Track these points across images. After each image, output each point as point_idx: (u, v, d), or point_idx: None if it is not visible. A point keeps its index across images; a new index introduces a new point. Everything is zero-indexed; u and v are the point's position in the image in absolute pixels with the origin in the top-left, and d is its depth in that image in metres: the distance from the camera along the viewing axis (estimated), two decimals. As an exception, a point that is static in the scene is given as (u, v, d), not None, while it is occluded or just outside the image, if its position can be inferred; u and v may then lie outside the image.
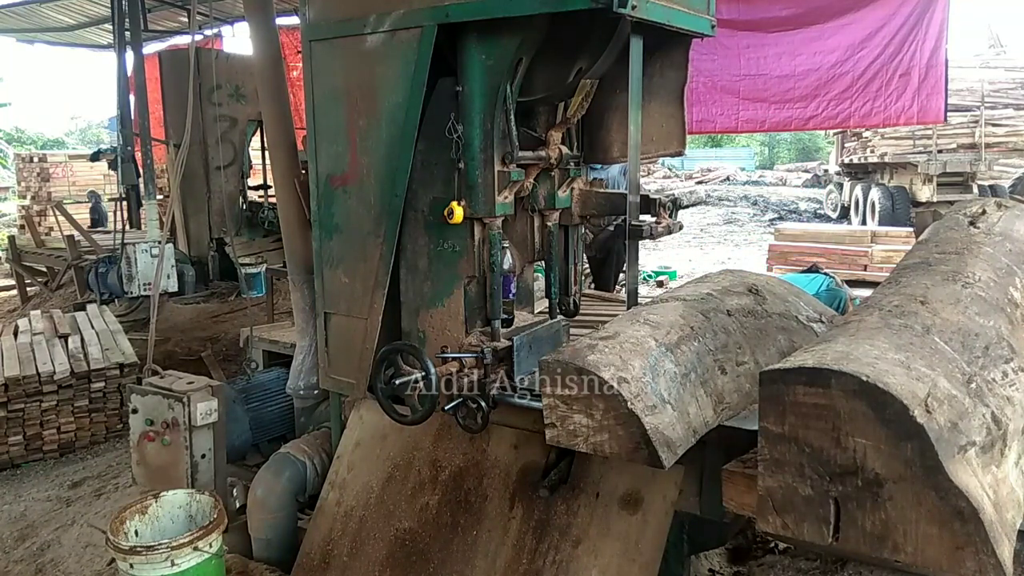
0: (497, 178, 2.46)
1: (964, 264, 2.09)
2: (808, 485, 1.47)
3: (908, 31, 6.04)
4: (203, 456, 3.16)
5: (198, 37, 9.23)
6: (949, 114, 6.70)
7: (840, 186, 16.58)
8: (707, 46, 5.26)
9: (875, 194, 13.43)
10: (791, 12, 6.36)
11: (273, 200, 7.69)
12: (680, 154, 2.95)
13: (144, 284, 6.55)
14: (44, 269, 8.95)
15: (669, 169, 27.02)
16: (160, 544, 2.52)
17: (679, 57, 2.73)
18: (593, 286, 5.89)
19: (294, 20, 8.66)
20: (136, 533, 2.74)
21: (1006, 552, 1.32)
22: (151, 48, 9.76)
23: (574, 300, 3.03)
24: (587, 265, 5.97)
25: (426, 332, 2.66)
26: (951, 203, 4.50)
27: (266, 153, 8.20)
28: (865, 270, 9.19)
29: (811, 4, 6.28)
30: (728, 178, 26.26)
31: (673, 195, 3.24)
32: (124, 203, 7.36)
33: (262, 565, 3.00)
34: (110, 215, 10.67)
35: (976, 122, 12.21)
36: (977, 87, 12.17)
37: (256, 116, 8.03)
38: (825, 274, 5.75)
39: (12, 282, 9.42)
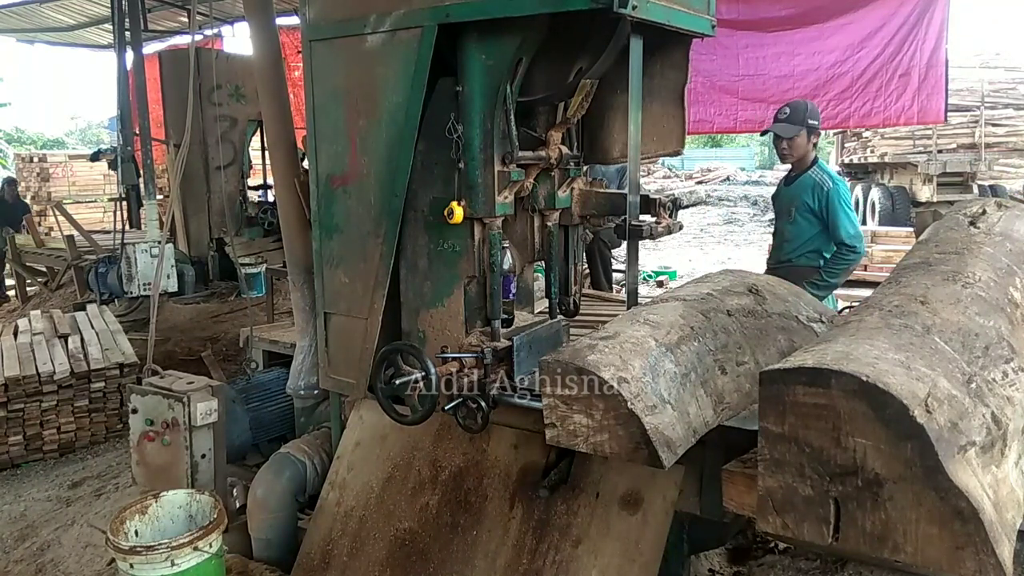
0: (497, 178, 2.46)
1: (964, 264, 2.09)
2: (808, 485, 1.47)
3: (908, 31, 6.03)
4: (203, 456, 3.16)
5: (198, 37, 9.23)
6: (949, 114, 6.69)
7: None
8: (706, 46, 5.25)
9: (875, 194, 13.41)
10: (790, 12, 6.35)
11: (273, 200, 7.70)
12: (678, 153, 2.95)
13: (144, 284, 6.55)
14: (44, 269, 8.95)
15: (669, 169, 27.00)
16: (160, 544, 2.52)
17: (679, 57, 2.72)
18: (591, 286, 5.89)
19: (294, 20, 8.66)
20: (136, 533, 2.74)
21: (1006, 552, 1.32)
22: (151, 48, 9.76)
23: (574, 300, 3.03)
24: (586, 265, 5.97)
25: (426, 332, 2.66)
26: (951, 203, 4.49)
27: (266, 153, 8.20)
28: (865, 270, 9.18)
29: (810, 4, 6.28)
30: (728, 178, 26.24)
31: (673, 195, 3.24)
32: (124, 203, 7.36)
33: (262, 565, 3.00)
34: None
35: (976, 122, 12.19)
36: (977, 87, 12.14)
37: (256, 116, 8.02)
38: None
39: (12, 282, 9.42)
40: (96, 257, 7.27)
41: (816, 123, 3.89)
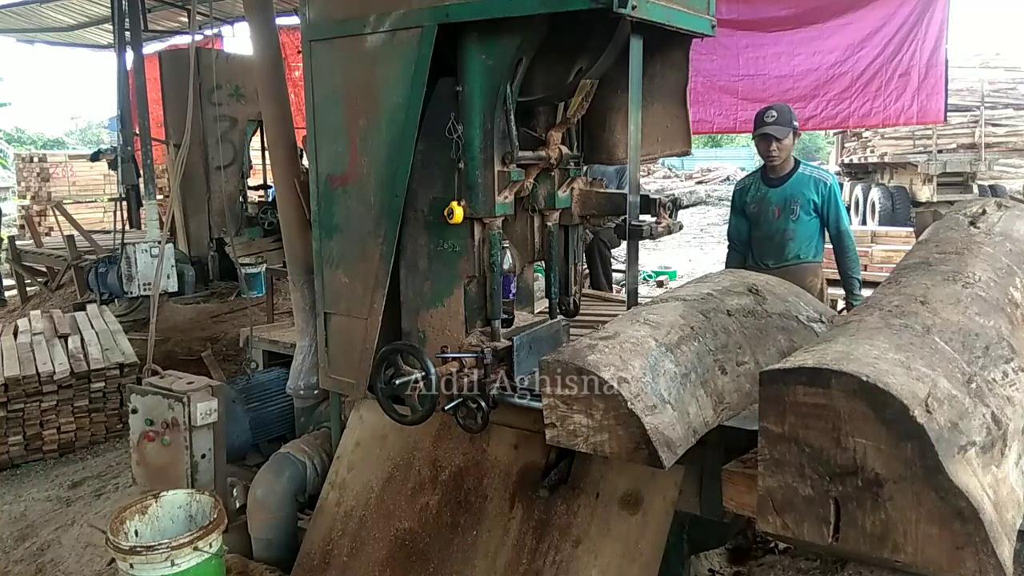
0: (497, 178, 2.46)
1: (964, 264, 2.09)
2: (808, 485, 1.47)
3: (908, 31, 6.02)
4: (203, 456, 3.16)
5: (198, 37, 9.23)
6: (949, 114, 6.68)
7: (840, 186, 16.55)
8: (706, 46, 5.25)
9: (875, 194, 13.40)
10: (790, 12, 6.35)
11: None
12: (686, 154, 2.95)
13: (144, 284, 6.55)
14: (44, 269, 8.94)
15: (669, 169, 27.00)
16: (160, 544, 2.52)
17: (679, 57, 2.72)
18: (591, 286, 5.89)
19: (294, 20, 8.66)
20: (136, 533, 2.74)
21: (1006, 552, 1.32)
22: (151, 48, 9.76)
23: (574, 300, 3.03)
24: (586, 265, 5.97)
25: (426, 332, 2.66)
26: (951, 203, 4.50)
27: (266, 153, 8.20)
28: (865, 270, 9.13)
29: (810, 4, 6.27)
30: (728, 178, 26.21)
31: (673, 195, 3.24)
32: (124, 203, 7.36)
33: (262, 565, 3.00)
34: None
35: (976, 122, 12.18)
36: (977, 87, 12.14)
37: (256, 116, 8.02)
38: None
39: (12, 282, 9.42)
40: (96, 257, 7.26)
41: (797, 124, 4.01)
